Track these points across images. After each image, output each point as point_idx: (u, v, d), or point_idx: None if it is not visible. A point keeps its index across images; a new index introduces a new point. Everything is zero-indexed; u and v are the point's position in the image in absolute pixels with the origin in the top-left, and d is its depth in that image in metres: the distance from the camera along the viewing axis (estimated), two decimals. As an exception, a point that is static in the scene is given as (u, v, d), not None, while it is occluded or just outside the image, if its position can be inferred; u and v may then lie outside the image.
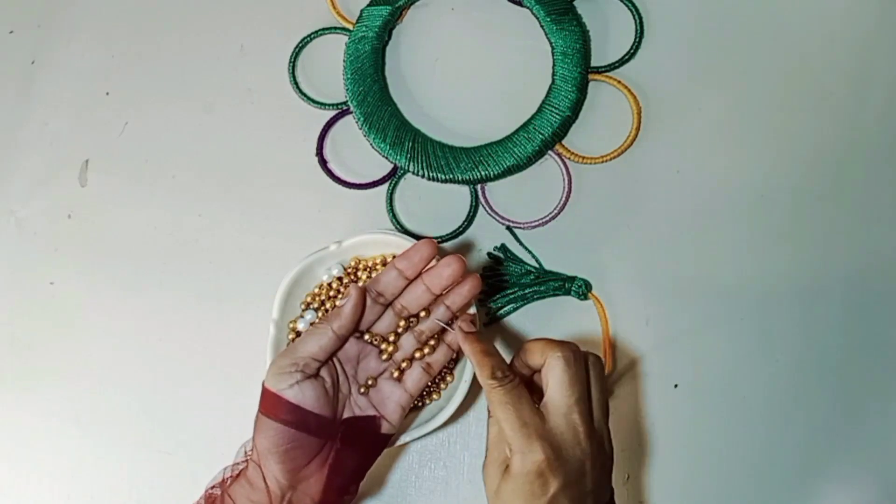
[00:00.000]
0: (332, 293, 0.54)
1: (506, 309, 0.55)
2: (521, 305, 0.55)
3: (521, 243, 0.56)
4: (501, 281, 0.56)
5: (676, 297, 0.55)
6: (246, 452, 0.48)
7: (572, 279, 0.54)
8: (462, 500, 0.54)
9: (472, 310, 0.51)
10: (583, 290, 0.54)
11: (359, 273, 0.54)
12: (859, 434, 0.53)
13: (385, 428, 0.47)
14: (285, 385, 0.44)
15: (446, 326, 0.48)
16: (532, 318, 0.55)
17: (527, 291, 0.55)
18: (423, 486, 0.54)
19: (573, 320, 0.55)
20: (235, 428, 0.53)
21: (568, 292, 0.54)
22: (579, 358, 0.43)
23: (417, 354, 0.48)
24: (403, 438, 0.50)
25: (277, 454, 0.44)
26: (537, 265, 0.55)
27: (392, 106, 0.58)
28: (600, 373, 0.44)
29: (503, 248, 0.56)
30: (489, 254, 0.56)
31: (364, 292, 0.47)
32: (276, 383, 0.44)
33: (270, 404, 0.44)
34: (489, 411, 0.44)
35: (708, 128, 0.57)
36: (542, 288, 0.55)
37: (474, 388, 0.54)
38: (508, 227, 0.56)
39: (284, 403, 0.44)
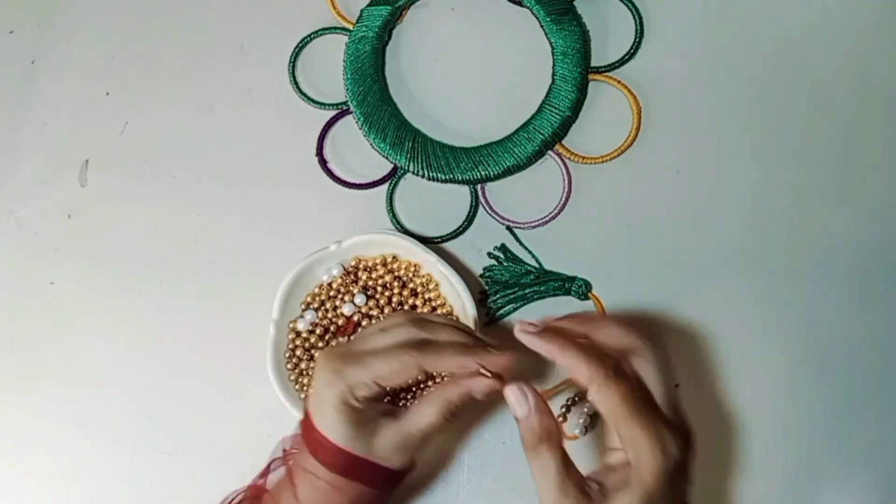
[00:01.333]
0: (332, 293, 0.54)
1: (506, 309, 0.55)
2: (521, 305, 0.55)
3: (521, 243, 0.56)
4: (501, 281, 0.55)
5: (676, 296, 0.55)
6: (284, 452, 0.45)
7: (572, 279, 0.54)
8: (462, 501, 0.54)
9: (472, 311, 0.51)
10: (583, 290, 0.54)
11: (359, 273, 0.54)
12: (859, 434, 0.53)
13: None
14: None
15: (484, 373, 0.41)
16: (532, 318, 0.55)
17: (527, 291, 0.55)
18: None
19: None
20: (235, 428, 0.53)
21: (568, 292, 0.54)
22: (660, 345, 0.40)
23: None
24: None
25: None
26: (537, 265, 0.55)
27: (392, 106, 0.58)
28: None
29: (503, 248, 0.56)
30: (489, 254, 0.56)
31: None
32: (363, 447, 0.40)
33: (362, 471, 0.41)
34: (542, 443, 0.37)
35: (708, 128, 0.57)
36: (542, 288, 0.55)
37: (474, 388, 0.54)
38: (508, 228, 0.56)
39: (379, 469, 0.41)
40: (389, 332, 0.42)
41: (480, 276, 0.56)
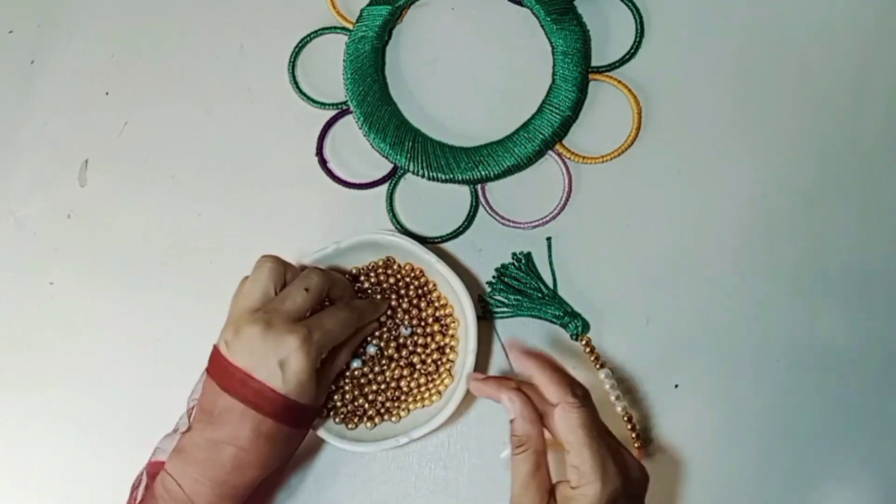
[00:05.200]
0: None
1: (501, 310, 0.55)
2: (515, 315, 0.55)
3: (550, 258, 0.55)
4: (511, 286, 0.55)
5: (676, 296, 0.55)
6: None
7: (575, 316, 0.54)
8: (462, 501, 0.54)
9: (471, 311, 0.51)
10: (578, 330, 0.54)
11: (361, 278, 0.54)
12: (859, 434, 0.53)
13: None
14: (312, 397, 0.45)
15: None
16: (520, 327, 0.55)
17: (527, 305, 0.55)
18: (423, 487, 0.54)
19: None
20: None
21: (564, 326, 0.54)
22: (590, 398, 0.43)
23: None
24: (402, 439, 0.50)
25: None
26: (552, 287, 0.55)
27: (392, 106, 0.58)
28: None
29: (528, 256, 0.56)
30: (513, 254, 0.56)
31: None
32: (306, 396, 0.44)
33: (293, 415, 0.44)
34: (517, 447, 0.42)
35: (708, 128, 0.57)
36: (542, 311, 0.54)
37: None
38: (548, 239, 0.56)
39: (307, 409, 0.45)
40: (312, 290, 0.46)
41: (497, 269, 0.56)
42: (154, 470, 0.47)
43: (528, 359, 0.44)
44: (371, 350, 0.52)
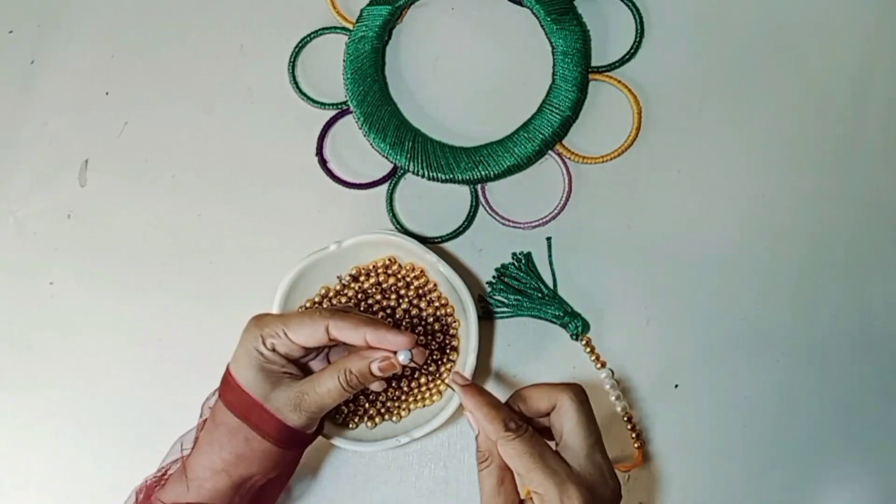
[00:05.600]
0: (332, 300, 0.54)
1: (501, 310, 0.55)
2: (515, 315, 0.55)
3: (550, 258, 0.55)
4: (511, 286, 0.55)
5: (676, 296, 0.55)
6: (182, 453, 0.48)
7: (575, 316, 0.54)
8: (462, 501, 0.54)
9: (472, 311, 0.51)
10: (578, 330, 0.54)
11: (361, 278, 0.54)
12: (859, 434, 0.53)
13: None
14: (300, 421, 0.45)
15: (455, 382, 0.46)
16: (519, 328, 0.55)
17: (527, 305, 0.55)
18: (423, 486, 0.54)
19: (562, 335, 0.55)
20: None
21: (564, 326, 0.54)
22: (587, 397, 0.43)
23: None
24: (403, 439, 0.50)
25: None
26: (552, 287, 0.55)
27: (392, 106, 0.58)
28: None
29: (528, 256, 0.56)
30: (513, 254, 0.56)
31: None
32: (292, 416, 0.44)
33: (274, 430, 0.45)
34: (481, 462, 0.42)
35: (708, 128, 0.57)
36: (542, 311, 0.54)
37: (474, 389, 0.54)
38: (548, 239, 0.56)
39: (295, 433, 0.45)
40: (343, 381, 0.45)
41: (495, 269, 0.56)
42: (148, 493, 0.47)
43: (465, 395, 0.43)
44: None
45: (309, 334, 0.44)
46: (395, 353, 0.44)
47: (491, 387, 0.55)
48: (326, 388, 0.44)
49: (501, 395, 0.51)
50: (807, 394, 0.54)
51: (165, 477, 0.47)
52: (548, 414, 0.43)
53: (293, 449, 0.46)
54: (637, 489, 0.53)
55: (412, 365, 0.45)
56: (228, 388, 0.45)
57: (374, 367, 0.44)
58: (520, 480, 0.42)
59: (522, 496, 0.42)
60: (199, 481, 0.45)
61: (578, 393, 0.43)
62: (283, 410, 0.44)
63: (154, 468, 0.55)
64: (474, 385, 0.44)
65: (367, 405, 0.52)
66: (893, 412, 0.53)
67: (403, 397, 0.53)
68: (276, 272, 0.52)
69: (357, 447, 0.50)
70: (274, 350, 0.44)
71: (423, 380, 0.53)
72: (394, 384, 0.52)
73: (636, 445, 0.53)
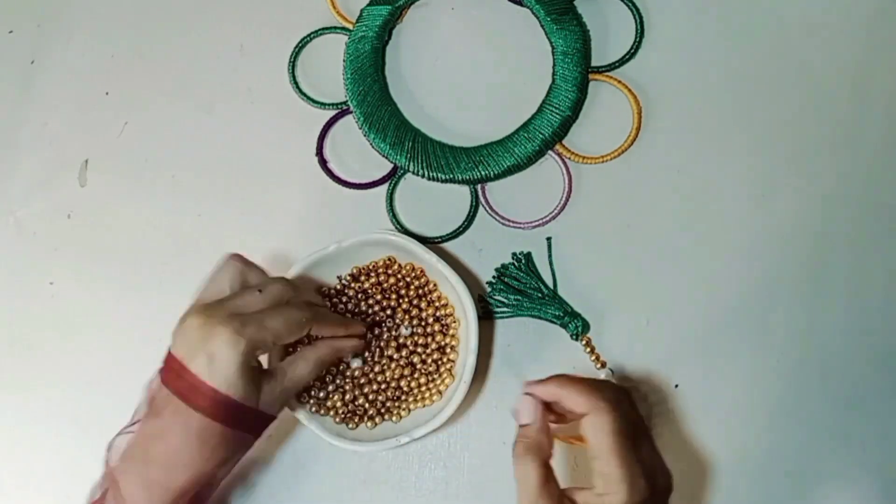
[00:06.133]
0: (333, 300, 0.54)
1: (501, 310, 0.55)
2: (515, 315, 0.55)
3: (550, 258, 0.55)
4: (510, 286, 0.55)
5: (676, 296, 0.55)
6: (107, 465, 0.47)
7: (575, 316, 0.54)
8: (462, 501, 0.54)
9: (472, 311, 0.51)
10: (578, 331, 0.54)
11: (361, 278, 0.54)
12: (859, 434, 0.53)
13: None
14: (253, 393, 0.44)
15: None
16: (520, 328, 0.55)
17: (527, 306, 0.55)
18: (423, 486, 0.54)
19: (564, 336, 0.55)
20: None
21: (564, 326, 0.54)
22: (619, 404, 0.41)
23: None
24: (403, 439, 0.50)
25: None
26: (552, 287, 0.55)
27: (392, 106, 0.58)
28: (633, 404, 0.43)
29: (527, 256, 0.56)
30: (513, 254, 0.56)
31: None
32: (243, 391, 0.43)
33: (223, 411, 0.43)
34: (525, 454, 0.40)
35: (708, 127, 0.57)
36: (542, 311, 0.54)
37: (474, 388, 0.54)
38: (548, 239, 0.56)
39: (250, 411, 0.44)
40: (267, 293, 0.46)
41: (495, 269, 0.56)
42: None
43: (547, 384, 0.42)
44: (354, 364, 0.52)
45: (293, 334, 0.45)
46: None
47: (491, 387, 0.55)
48: (301, 375, 0.47)
49: (502, 395, 0.51)
50: (807, 394, 0.54)
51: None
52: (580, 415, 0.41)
53: (241, 429, 0.44)
54: (637, 489, 0.53)
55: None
56: (215, 405, 0.42)
57: (346, 352, 0.50)
58: (591, 456, 0.39)
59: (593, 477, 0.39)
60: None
61: (615, 405, 0.40)
62: (271, 406, 0.45)
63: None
64: (551, 376, 0.42)
65: (366, 405, 0.52)
66: (893, 412, 0.53)
67: (403, 397, 0.53)
68: (276, 272, 0.52)
69: (357, 447, 0.50)
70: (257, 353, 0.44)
71: (423, 380, 0.53)
72: (394, 384, 0.52)
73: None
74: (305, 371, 0.47)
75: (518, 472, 0.40)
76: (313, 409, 0.51)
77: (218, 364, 0.42)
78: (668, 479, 0.41)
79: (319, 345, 0.49)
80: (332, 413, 0.52)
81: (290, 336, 0.45)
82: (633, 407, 0.43)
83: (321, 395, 0.52)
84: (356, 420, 0.52)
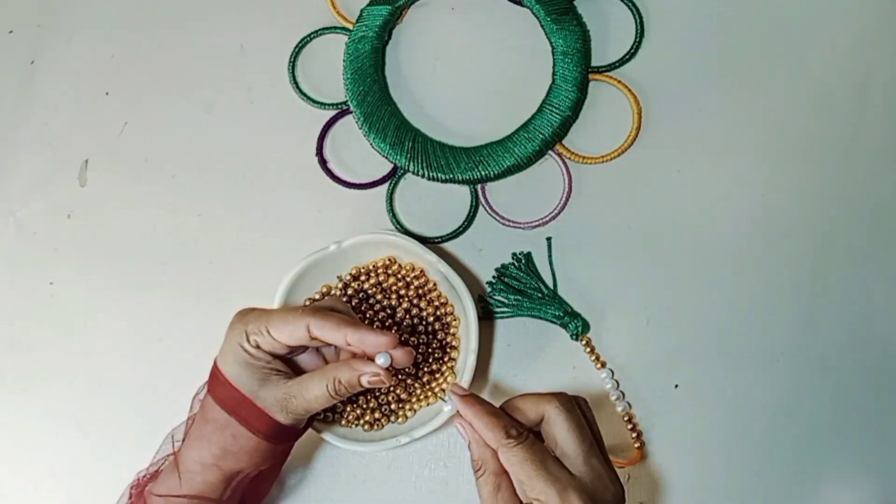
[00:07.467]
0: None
1: (501, 310, 0.55)
2: (515, 315, 0.55)
3: (550, 258, 0.55)
4: (511, 286, 0.55)
5: (676, 296, 0.55)
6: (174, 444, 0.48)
7: (575, 316, 0.54)
8: (462, 501, 0.54)
9: (472, 311, 0.51)
10: (578, 330, 0.54)
11: (361, 278, 0.54)
12: (859, 434, 0.53)
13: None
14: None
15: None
16: (520, 328, 0.55)
17: (527, 306, 0.55)
18: (423, 486, 0.54)
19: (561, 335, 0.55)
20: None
21: (564, 326, 0.54)
22: (574, 404, 0.43)
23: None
24: (403, 439, 0.50)
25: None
26: (552, 287, 0.55)
27: (392, 106, 0.58)
28: (591, 413, 0.45)
29: (528, 256, 0.56)
30: (514, 254, 0.56)
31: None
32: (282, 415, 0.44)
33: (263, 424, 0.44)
34: (477, 470, 0.43)
35: (708, 127, 0.57)
36: (542, 311, 0.54)
37: (474, 388, 0.54)
38: (548, 239, 0.56)
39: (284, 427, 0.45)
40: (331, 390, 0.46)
41: (497, 270, 0.56)
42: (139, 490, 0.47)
43: (464, 405, 0.44)
44: (379, 360, 0.51)
45: (290, 332, 0.43)
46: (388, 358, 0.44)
47: (490, 387, 0.55)
48: (314, 394, 0.44)
49: (502, 396, 0.51)
50: (807, 394, 0.54)
51: (159, 471, 0.47)
52: (538, 424, 0.43)
53: (282, 443, 0.46)
54: (638, 489, 0.53)
55: (397, 366, 0.45)
56: (217, 383, 0.45)
57: (364, 381, 0.44)
58: (520, 487, 0.42)
59: (525, 502, 0.42)
60: (190, 474, 0.45)
61: (565, 402, 0.43)
62: (271, 409, 0.44)
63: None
64: (473, 395, 0.44)
65: (368, 406, 0.52)
66: (893, 412, 0.53)
67: (405, 398, 0.53)
68: (276, 272, 0.52)
69: (357, 447, 0.50)
70: (258, 347, 0.44)
71: (424, 379, 0.53)
72: (398, 388, 0.52)
73: (636, 445, 0.53)
74: (319, 391, 0.44)
75: (477, 485, 0.43)
76: (324, 417, 0.51)
77: (223, 345, 0.45)
78: (618, 493, 0.42)
79: (337, 364, 0.45)
80: (343, 422, 0.52)
81: (285, 330, 0.43)
82: (587, 412, 0.44)
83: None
84: (363, 424, 0.52)
